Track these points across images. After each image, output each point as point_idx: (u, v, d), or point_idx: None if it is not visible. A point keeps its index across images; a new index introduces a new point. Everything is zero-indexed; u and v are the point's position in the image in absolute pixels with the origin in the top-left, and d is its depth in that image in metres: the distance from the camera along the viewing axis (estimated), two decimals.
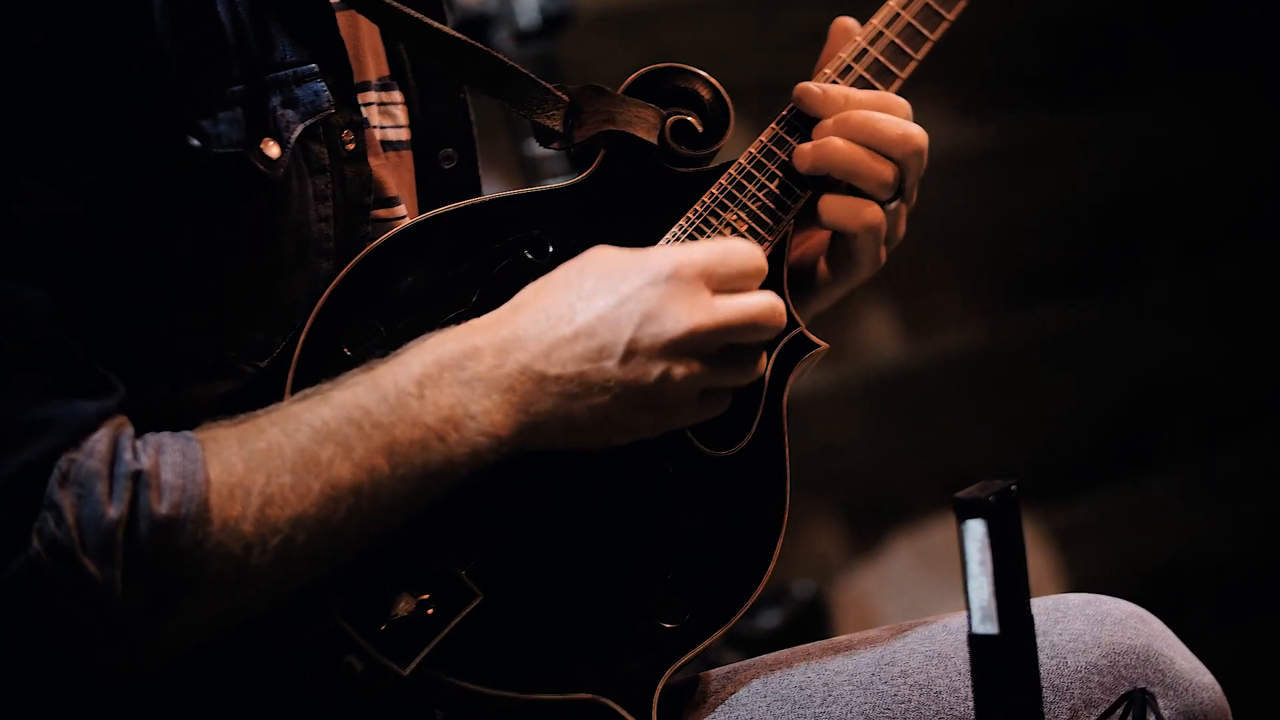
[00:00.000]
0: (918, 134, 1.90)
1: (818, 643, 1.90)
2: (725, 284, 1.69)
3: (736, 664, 1.90)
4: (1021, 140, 4.50)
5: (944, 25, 1.97)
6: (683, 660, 1.77)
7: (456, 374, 1.62)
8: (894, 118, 1.89)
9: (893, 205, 1.91)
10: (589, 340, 1.64)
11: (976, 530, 1.66)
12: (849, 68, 1.93)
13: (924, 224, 4.21)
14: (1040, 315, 4.54)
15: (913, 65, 1.96)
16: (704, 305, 1.67)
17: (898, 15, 1.96)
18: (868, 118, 1.88)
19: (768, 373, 1.82)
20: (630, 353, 1.64)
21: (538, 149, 3.25)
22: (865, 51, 1.94)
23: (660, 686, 1.75)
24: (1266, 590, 4.59)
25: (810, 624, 3.78)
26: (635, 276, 1.67)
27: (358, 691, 1.67)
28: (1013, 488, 1.67)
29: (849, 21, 1.98)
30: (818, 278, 1.96)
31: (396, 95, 1.89)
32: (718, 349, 1.68)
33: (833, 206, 1.88)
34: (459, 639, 1.67)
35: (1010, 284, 4.53)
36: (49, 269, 1.56)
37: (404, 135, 1.89)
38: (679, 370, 1.66)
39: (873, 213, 1.89)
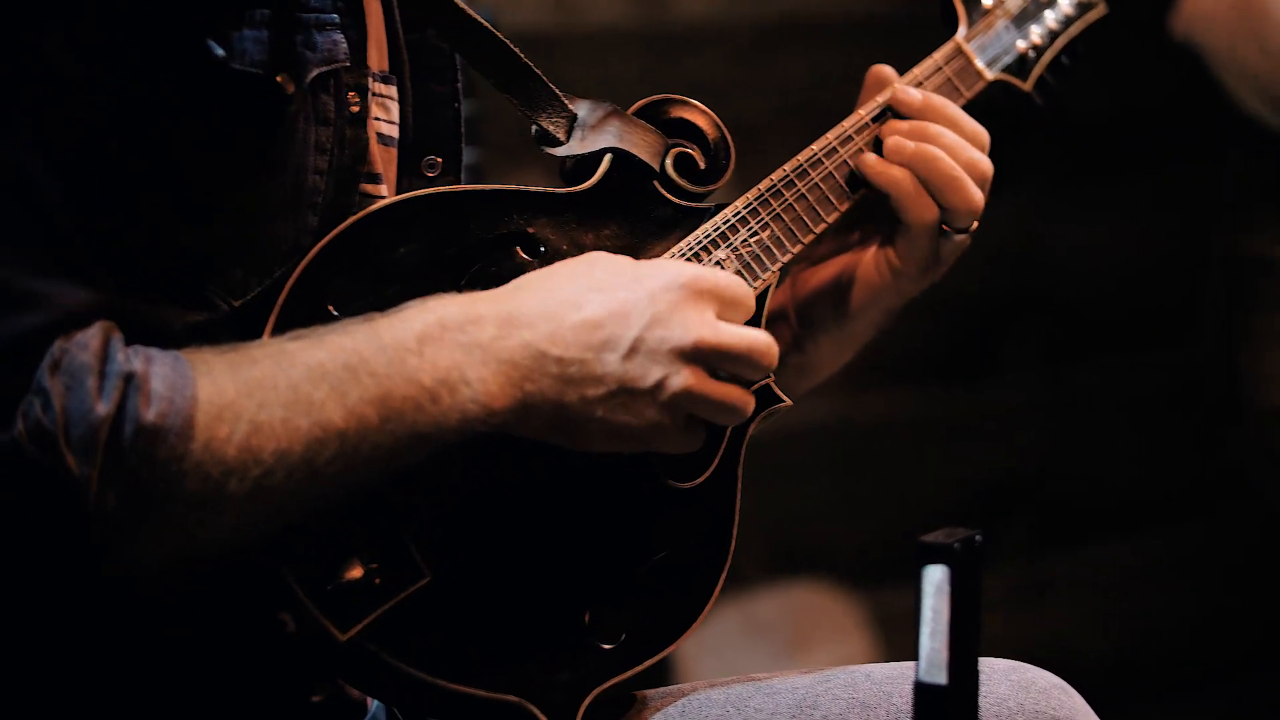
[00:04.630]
0: (988, 165, 1.95)
1: (738, 678, 1.89)
2: (724, 311, 1.70)
3: (653, 690, 1.89)
4: None
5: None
6: (611, 683, 1.75)
7: (458, 337, 1.60)
8: (968, 143, 1.94)
9: (961, 238, 1.97)
10: (596, 330, 1.64)
11: (937, 576, 1.64)
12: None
13: None
14: (893, 400, 4.55)
15: None
16: (710, 323, 1.68)
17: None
18: (950, 139, 1.94)
19: None
20: (633, 350, 1.64)
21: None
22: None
23: (586, 704, 1.73)
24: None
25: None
26: (650, 280, 1.67)
27: (283, 654, 1.63)
28: (977, 538, 1.65)
29: (886, 70, 2.01)
30: (872, 291, 2.01)
31: (394, 91, 1.87)
32: (713, 372, 1.68)
33: (919, 214, 1.94)
34: (399, 617, 1.64)
35: (866, 365, 4.53)
36: (63, 150, 1.53)
37: (394, 132, 1.87)
38: (675, 380, 1.66)
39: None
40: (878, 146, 1.95)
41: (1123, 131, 4.57)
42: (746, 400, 1.71)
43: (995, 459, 4.62)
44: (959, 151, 1.93)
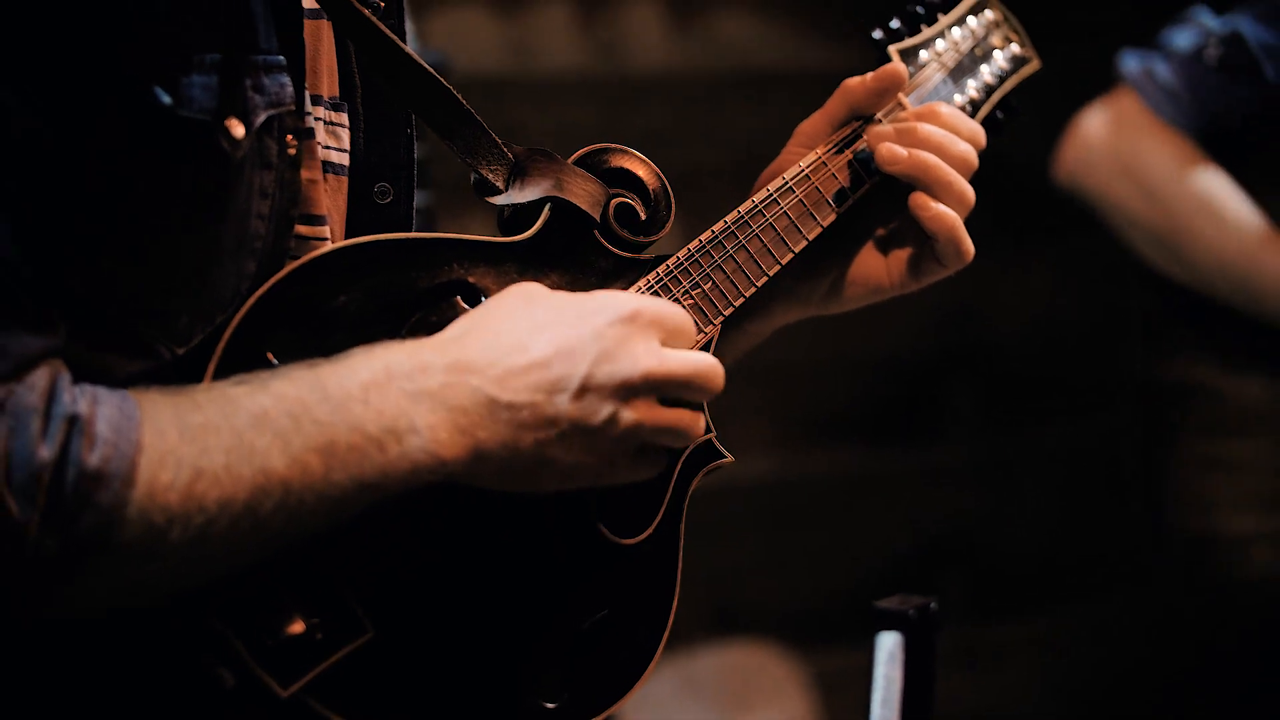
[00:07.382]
0: (975, 158, 1.94)
1: None
2: (669, 339, 1.68)
3: None
4: None
5: None
6: None
7: (405, 385, 1.56)
8: (958, 138, 1.93)
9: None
10: (544, 371, 1.60)
11: (891, 644, 1.61)
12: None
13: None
14: (831, 459, 4.52)
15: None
16: (656, 352, 1.65)
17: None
18: (940, 135, 1.92)
19: (676, 471, 1.81)
20: (584, 389, 1.61)
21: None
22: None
23: None
24: None
25: None
26: (595, 315, 1.64)
27: (222, 711, 1.57)
28: (933, 605, 1.62)
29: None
30: (887, 284, 1.98)
31: (344, 118, 1.83)
32: (663, 400, 1.66)
33: (934, 214, 1.90)
34: (342, 673, 1.60)
35: (808, 421, 4.51)
36: (10, 200, 1.49)
37: (345, 160, 1.83)
38: (627, 415, 1.63)
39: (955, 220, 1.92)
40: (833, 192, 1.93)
41: (1060, 189, 4.56)
42: (696, 421, 1.68)
43: (932, 520, 4.59)
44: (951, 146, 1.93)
